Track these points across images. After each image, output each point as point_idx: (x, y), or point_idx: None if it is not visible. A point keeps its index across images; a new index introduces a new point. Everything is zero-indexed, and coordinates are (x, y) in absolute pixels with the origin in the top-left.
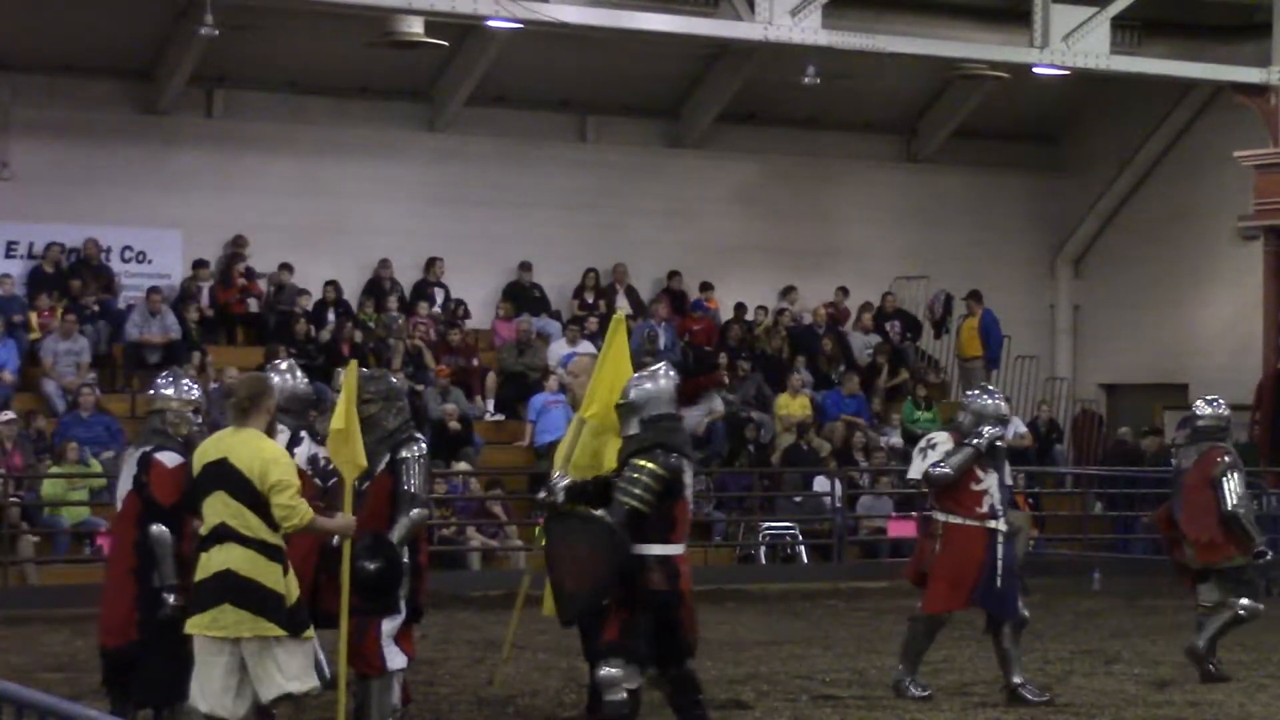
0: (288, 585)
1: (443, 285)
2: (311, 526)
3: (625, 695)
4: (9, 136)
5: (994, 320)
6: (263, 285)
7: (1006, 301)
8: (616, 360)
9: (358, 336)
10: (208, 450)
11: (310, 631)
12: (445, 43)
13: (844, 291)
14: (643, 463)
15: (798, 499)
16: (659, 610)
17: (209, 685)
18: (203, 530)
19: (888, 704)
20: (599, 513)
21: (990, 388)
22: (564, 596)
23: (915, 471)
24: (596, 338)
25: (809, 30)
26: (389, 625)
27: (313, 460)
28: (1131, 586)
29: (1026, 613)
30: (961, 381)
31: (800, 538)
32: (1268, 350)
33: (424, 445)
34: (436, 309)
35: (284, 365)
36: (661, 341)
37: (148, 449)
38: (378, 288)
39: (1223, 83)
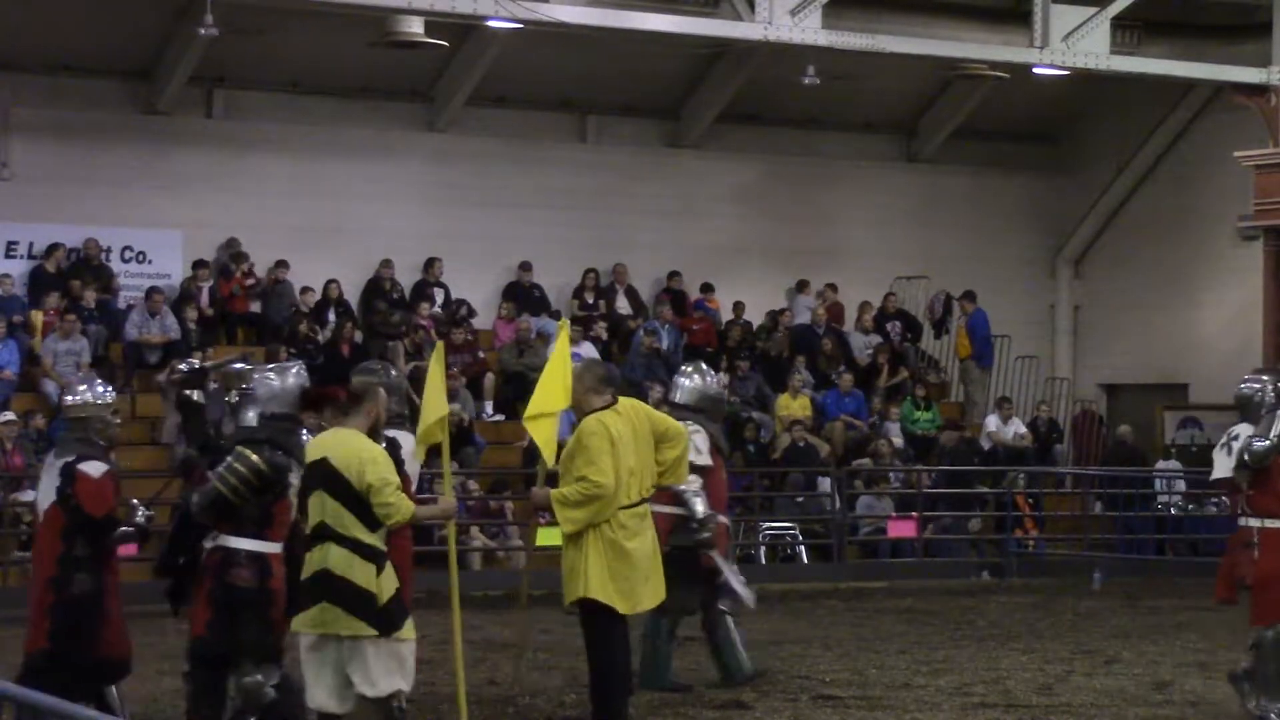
0: (380, 585)
1: (443, 285)
2: (416, 519)
3: (273, 694)
4: (9, 136)
5: (982, 319)
6: (259, 273)
7: (1006, 301)
8: (558, 363)
9: (358, 336)
10: (312, 449)
11: (408, 632)
12: (445, 43)
13: (833, 288)
14: (248, 453)
15: (799, 499)
16: (245, 608)
17: (316, 683)
18: (307, 530)
19: (888, 704)
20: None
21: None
22: None
23: (1224, 469)
24: (596, 339)
25: (809, 30)
26: None
27: None
28: (1131, 586)
29: None
30: (961, 381)
31: (800, 538)
32: (1268, 350)
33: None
34: (436, 309)
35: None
36: (664, 342)
37: (70, 459)
38: (378, 288)
39: (1223, 83)
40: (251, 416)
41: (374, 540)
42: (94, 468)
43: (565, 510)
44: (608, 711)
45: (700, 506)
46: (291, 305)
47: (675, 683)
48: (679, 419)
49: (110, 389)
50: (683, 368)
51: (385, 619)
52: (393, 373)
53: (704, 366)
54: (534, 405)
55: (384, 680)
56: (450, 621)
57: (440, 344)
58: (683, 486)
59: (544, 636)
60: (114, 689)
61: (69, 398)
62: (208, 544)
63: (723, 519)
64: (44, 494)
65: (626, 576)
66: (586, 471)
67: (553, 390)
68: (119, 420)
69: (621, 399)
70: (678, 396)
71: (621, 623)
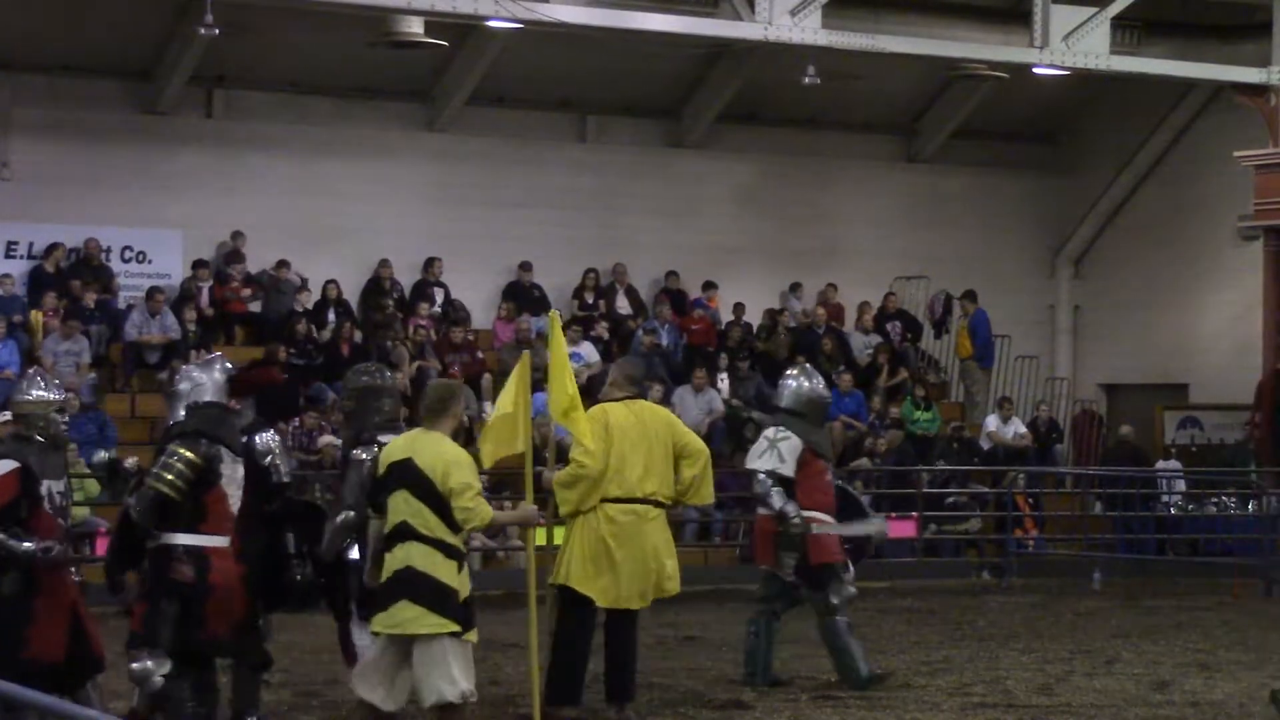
0: (461, 582)
1: (442, 285)
2: (494, 523)
3: (161, 683)
4: (9, 136)
5: (983, 320)
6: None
7: (1006, 301)
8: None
9: (358, 336)
10: (394, 450)
11: (474, 634)
12: (445, 43)
13: (833, 288)
14: (180, 449)
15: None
16: (183, 603)
17: (371, 673)
18: (387, 529)
19: (887, 704)
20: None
21: None
22: None
23: None
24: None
25: (809, 30)
26: (361, 633)
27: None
28: (1131, 586)
29: None
30: (961, 381)
31: None
32: (1268, 350)
33: (376, 450)
34: (436, 309)
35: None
36: (663, 342)
37: None
38: (378, 288)
39: (1223, 83)
40: (181, 413)
41: (456, 540)
42: (3, 465)
43: (559, 491)
44: (553, 695)
45: (777, 500)
46: (290, 306)
47: (774, 677)
48: (777, 423)
49: (58, 388)
50: (788, 370)
51: (465, 616)
52: (387, 375)
53: (809, 368)
54: (556, 402)
55: (464, 679)
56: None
57: (526, 354)
58: (760, 488)
59: (542, 636)
60: (91, 689)
61: (17, 395)
62: (150, 543)
63: (824, 516)
64: None
65: (609, 572)
66: (575, 453)
67: (562, 382)
68: (66, 418)
69: (645, 403)
70: (782, 400)
71: (593, 615)
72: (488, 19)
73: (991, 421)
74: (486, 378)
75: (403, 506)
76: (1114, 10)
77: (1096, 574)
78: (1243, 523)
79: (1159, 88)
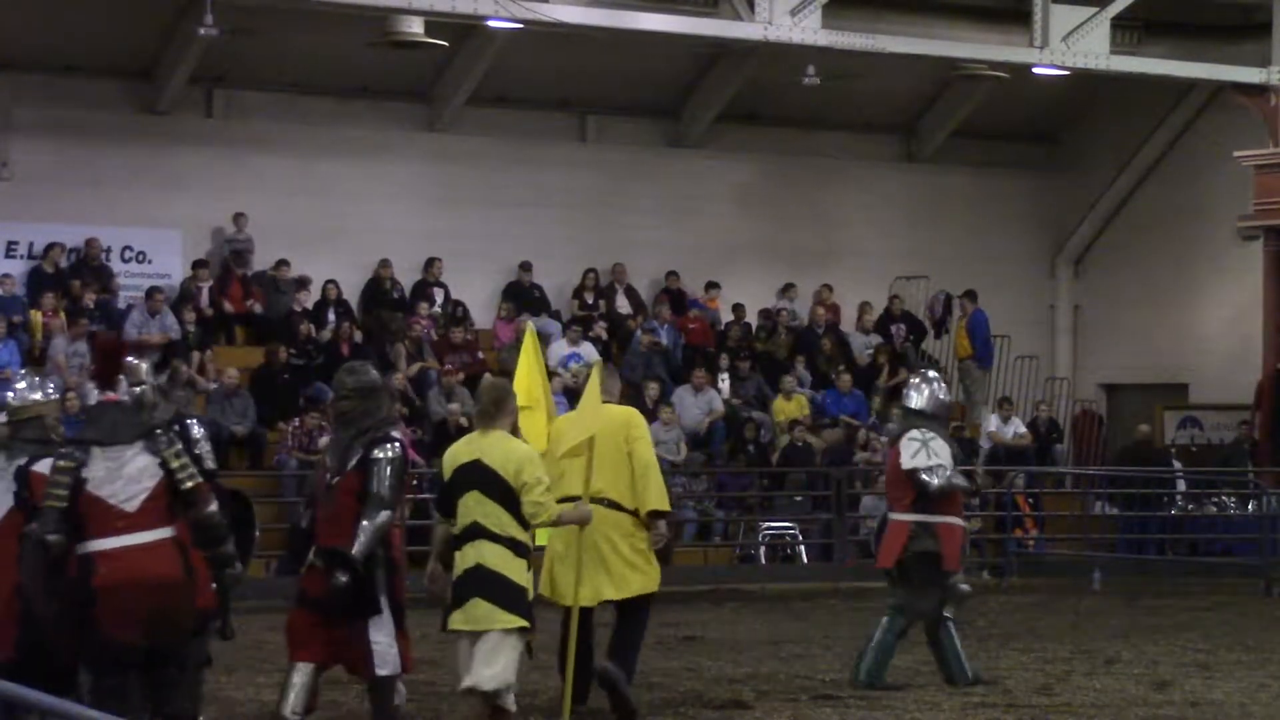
0: (527, 581)
1: (442, 285)
2: (559, 521)
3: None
4: (9, 136)
5: (982, 320)
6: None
7: (1006, 301)
8: (530, 368)
9: (358, 336)
10: (460, 453)
11: (533, 636)
12: (445, 43)
13: (828, 289)
14: (58, 463)
15: (798, 498)
16: (70, 606)
17: (463, 662)
18: (456, 530)
19: (887, 704)
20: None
21: None
22: None
23: None
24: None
25: (809, 30)
26: (377, 630)
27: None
28: (1131, 586)
29: None
30: (960, 381)
31: (800, 538)
32: (1268, 350)
33: (399, 445)
34: (436, 309)
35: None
36: (663, 341)
37: (22, 461)
38: (378, 287)
39: (1223, 83)
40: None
41: (525, 538)
42: (46, 466)
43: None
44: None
45: (960, 479)
46: (290, 306)
47: (887, 682)
48: (913, 426)
49: (58, 387)
50: (917, 374)
51: (531, 613)
52: (372, 374)
53: (933, 374)
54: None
55: (510, 674)
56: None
57: (599, 362)
58: (942, 482)
59: (543, 635)
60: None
61: (14, 395)
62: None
63: (959, 522)
64: None
65: (555, 567)
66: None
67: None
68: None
69: (615, 407)
70: (913, 403)
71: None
72: (488, 19)
73: (992, 421)
74: (487, 377)
75: (474, 507)
76: (1114, 10)
77: (1096, 574)
78: (1242, 523)
79: (1159, 88)
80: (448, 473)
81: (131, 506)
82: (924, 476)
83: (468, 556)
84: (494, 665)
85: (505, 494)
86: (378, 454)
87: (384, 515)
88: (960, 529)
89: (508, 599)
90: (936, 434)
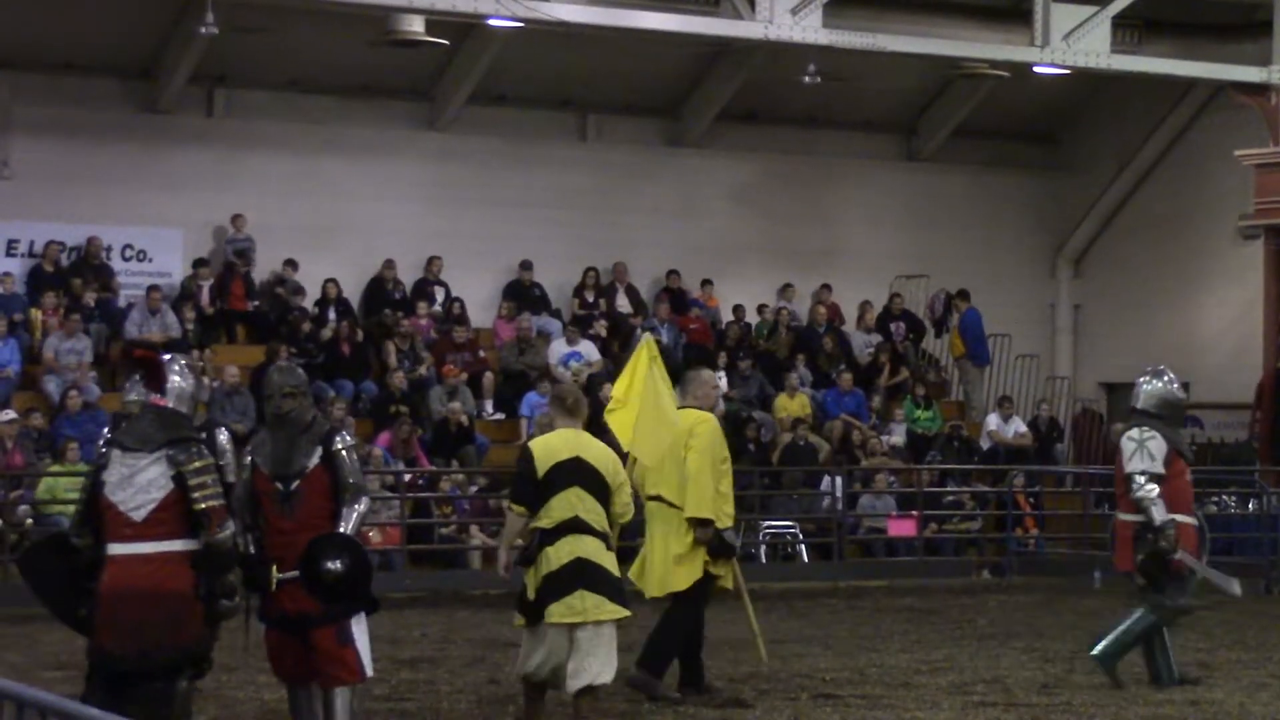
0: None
1: (442, 284)
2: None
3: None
4: (9, 136)
5: (976, 318)
6: (259, 271)
7: (1006, 301)
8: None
9: (359, 336)
10: (558, 449)
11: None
12: (446, 41)
13: (827, 289)
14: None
15: (794, 497)
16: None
17: (531, 659)
18: (546, 524)
19: (887, 703)
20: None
21: None
22: None
23: None
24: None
25: (809, 30)
26: (359, 628)
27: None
28: (1132, 586)
29: None
30: (959, 380)
31: (800, 537)
32: (1268, 350)
33: (348, 435)
34: (437, 308)
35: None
36: (664, 340)
37: None
38: (380, 287)
39: (1223, 82)
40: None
41: (613, 534)
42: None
43: (726, 506)
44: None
45: (1157, 514)
46: (290, 305)
47: (1119, 679)
48: (1137, 424)
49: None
50: (1146, 372)
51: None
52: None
53: (1162, 369)
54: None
55: (606, 671)
56: (450, 620)
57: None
58: (1141, 494)
59: None
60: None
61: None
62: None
63: (1189, 520)
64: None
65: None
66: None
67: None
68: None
69: (689, 413)
70: (1138, 402)
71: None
72: (488, 18)
73: (992, 421)
74: (487, 377)
75: (575, 502)
76: (1114, 9)
77: (1096, 573)
78: (1243, 522)
79: (1159, 87)
80: (542, 468)
81: (139, 515)
82: (1135, 483)
83: (563, 550)
84: (598, 656)
85: (603, 490)
86: (338, 444)
87: (366, 501)
88: (1190, 528)
89: (612, 590)
90: (1158, 433)
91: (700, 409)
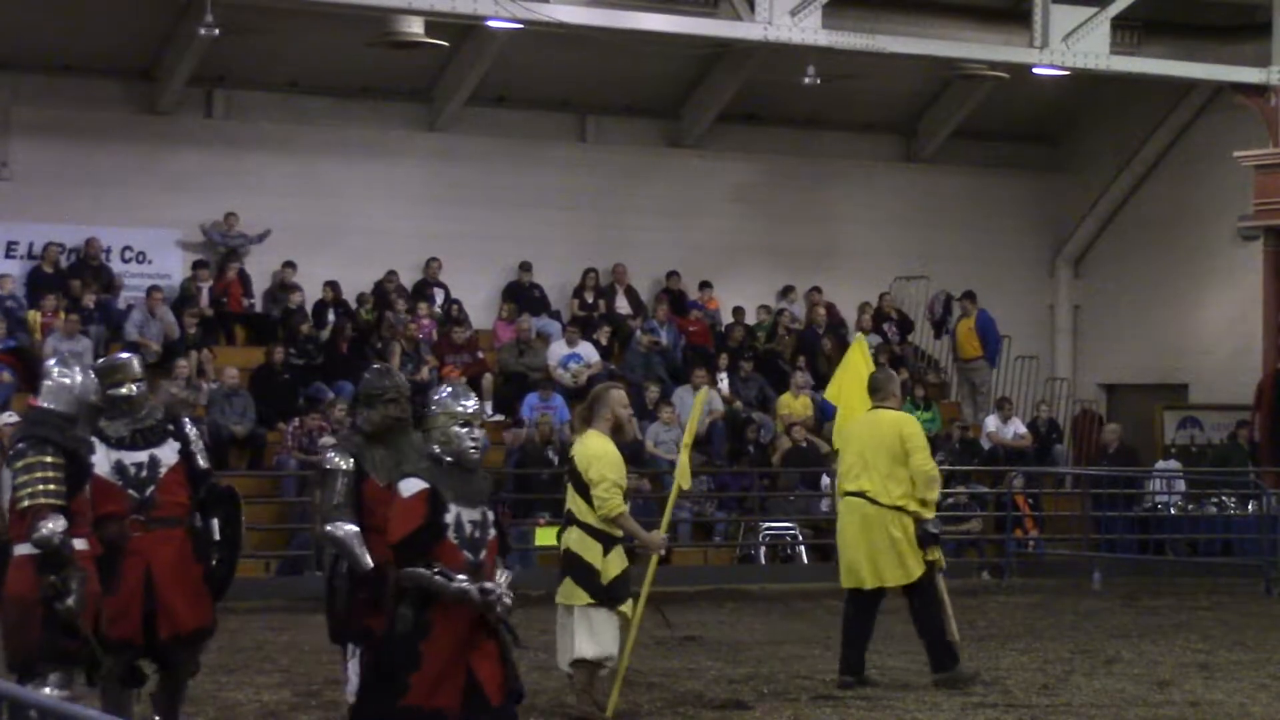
0: (605, 563)
1: (442, 285)
2: (620, 522)
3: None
4: (9, 136)
5: (990, 320)
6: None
7: (1006, 301)
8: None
9: (352, 333)
10: (572, 452)
11: (627, 606)
12: (445, 43)
13: (818, 291)
14: None
15: (793, 498)
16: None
17: (562, 644)
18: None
19: (887, 704)
20: None
21: None
22: None
23: None
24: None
25: (809, 30)
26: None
27: (119, 468)
28: (1131, 586)
29: None
30: (961, 382)
31: (800, 538)
32: (1268, 350)
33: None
34: (436, 308)
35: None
36: (664, 341)
37: None
38: (381, 288)
39: (1223, 83)
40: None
41: (604, 526)
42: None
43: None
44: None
45: None
46: (291, 305)
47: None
48: None
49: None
50: None
51: (608, 593)
52: (399, 377)
53: None
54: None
55: (593, 645)
56: None
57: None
58: None
59: (544, 637)
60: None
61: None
62: None
63: None
64: None
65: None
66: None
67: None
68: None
69: (887, 414)
70: None
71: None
72: (488, 19)
73: (991, 422)
74: (487, 377)
75: (570, 497)
76: (1114, 10)
77: (1096, 574)
78: (1242, 522)
79: (1159, 88)
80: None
81: (7, 519)
82: None
83: (562, 541)
84: (581, 637)
85: (584, 486)
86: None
87: (320, 529)
88: None
89: (582, 578)
90: None
91: (894, 409)
